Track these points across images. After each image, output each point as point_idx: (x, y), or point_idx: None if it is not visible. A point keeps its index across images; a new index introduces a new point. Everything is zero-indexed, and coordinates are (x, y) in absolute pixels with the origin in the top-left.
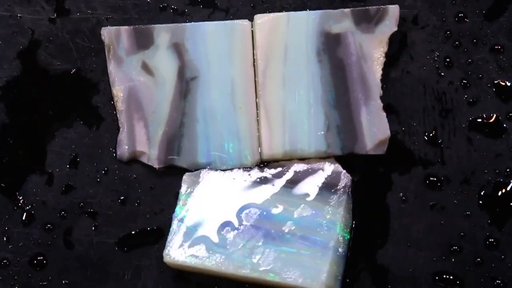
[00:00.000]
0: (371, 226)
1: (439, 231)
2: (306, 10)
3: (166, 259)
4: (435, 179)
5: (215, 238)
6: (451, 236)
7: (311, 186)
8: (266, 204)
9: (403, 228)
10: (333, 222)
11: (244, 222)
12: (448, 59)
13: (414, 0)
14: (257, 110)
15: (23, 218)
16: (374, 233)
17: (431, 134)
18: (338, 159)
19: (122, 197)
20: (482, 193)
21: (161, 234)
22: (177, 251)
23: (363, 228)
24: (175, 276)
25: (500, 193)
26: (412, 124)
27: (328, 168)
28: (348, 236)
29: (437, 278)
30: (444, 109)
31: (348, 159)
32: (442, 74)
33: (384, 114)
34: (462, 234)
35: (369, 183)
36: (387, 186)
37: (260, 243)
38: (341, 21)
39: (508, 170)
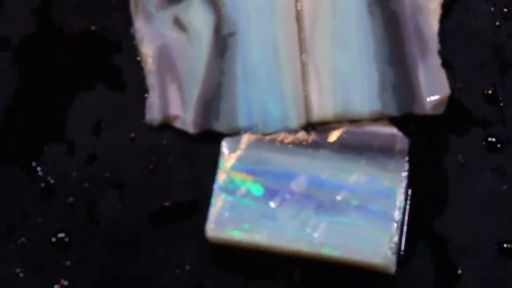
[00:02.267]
0: (428, 192)
1: (502, 197)
2: None
3: (209, 233)
4: (495, 140)
5: (262, 209)
6: None
7: (364, 150)
8: (316, 171)
9: (462, 194)
10: (391, 189)
11: (294, 191)
12: (506, 9)
13: None
14: (302, 67)
15: (42, 192)
16: (431, 200)
17: (490, 92)
18: (390, 120)
19: (152, 167)
20: None
21: (197, 207)
22: (222, 224)
23: (419, 195)
24: (215, 252)
25: None
26: (468, 81)
27: (383, 130)
28: (404, 204)
29: (501, 247)
30: (503, 64)
31: (400, 120)
32: (500, 26)
33: (443, 70)
34: None
35: (424, 146)
36: (444, 149)
37: (313, 214)
38: None
39: None
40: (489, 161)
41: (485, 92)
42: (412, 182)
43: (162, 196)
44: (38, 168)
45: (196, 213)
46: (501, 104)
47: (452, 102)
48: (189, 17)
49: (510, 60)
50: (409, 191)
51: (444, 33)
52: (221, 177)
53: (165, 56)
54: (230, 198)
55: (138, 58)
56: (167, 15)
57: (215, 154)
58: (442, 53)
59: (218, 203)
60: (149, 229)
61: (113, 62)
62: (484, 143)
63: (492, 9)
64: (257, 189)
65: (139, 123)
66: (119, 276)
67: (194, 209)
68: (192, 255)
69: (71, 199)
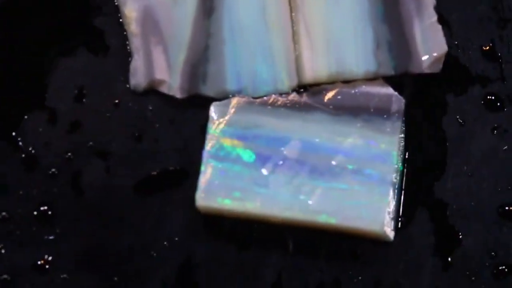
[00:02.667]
0: (426, 155)
1: (503, 158)
2: None
3: (199, 203)
4: (495, 98)
5: (254, 177)
6: None
7: (360, 112)
8: (310, 135)
9: (461, 156)
10: (388, 152)
11: (287, 157)
12: None
13: None
14: (293, 27)
15: (24, 163)
16: (429, 162)
17: (488, 48)
18: (386, 80)
19: (138, 134)
20: None
21: (185, 175)
22: (212, 193)
23: (417, 157)
24: (204, 222)
25: None
26: (466, 37)
27: (378, 90)
28: (402, 168)
29: (503, 210)
30: (502, 18)
31: (396, 80)
32: None
33: (440, 27)
34: None
35: (421, 106)
36: (442, 109)
37: (307, 180)
38: None
39: None
40: (489, 121)
41: (484, 48)
42: (409, 144)
43: (149, 164)
44: (19, 138)
45: (185, 182)
46: (500, 61)
47: (449, 59)
48: None
49: (509, 14)
50: (406, 154)
51: None
52: (210, 143)
53: (149, 18)
54: (220, 165)
55: (120, 20)
56: None
57: (204, 119)
58: (438, 9)
59: (207, 170)
60: (136, 199)
61: (94, 25)
62: (483, 101)
63: None
64: (248, 155)
65: (123, 88)
66: (106, 250)
67: (182, 177)
68: (181, 225)
69: (53, 169)
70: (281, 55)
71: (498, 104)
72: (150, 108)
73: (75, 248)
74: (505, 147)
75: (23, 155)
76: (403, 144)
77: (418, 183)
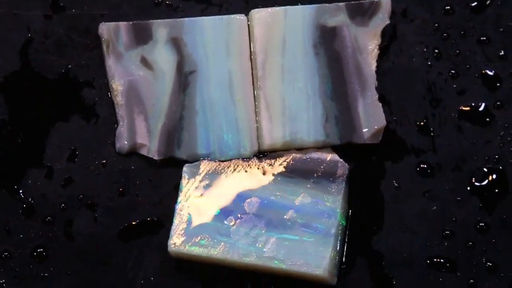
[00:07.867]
0: (366, 213)
1: (432, 217)
2: (298, 4)
3: (171, 248)
4: (427, 166)
5: (218, 227)
6: (444, 221)
7: (310, 175)
8: (267, 193)
9: (397, 214)
10: (333, 209)
11: (246, 211)
12: (437, 51)
13: None
14: (254, 102)
15: (24, 211)
16: (369, 219)
17: (422, 123)
18: (333, 148)
19: (121, 189)
20: (472, 179)
21: (161, 225)
22: (182, 240)
23: (359, 215)
24: (176, 265)
25: (489, 178)
26: (403, 114)
27: (326, 157)
28: (345, 223)
29: (431, 261)
30: (434, 99)
31: (342, 149)
32: (432, 65)
33: (380, 104)
34: (454, 219)
35: (363, 171)
36: (381, 174)
37: (263, 231)
38: (336, 14)
39: (497, 156)
40: (421, 185)
41: (418, 123)
42: (352, 203)
43: (130, 215)
44: (20, 191)
45: (160, 230)
46: (432, 134)
47: (388, 132)
48: (154, 56)
49: (441, 95)
50: (349, 211)
51: (382, 72)
52: (182, 198)
53: (133, 91)
54: (189, 217)
55: (109, 93)
56: (135, 54)
57: (177, 178)
58: (380, 89)
59: (178, 221)
60: (119, 244)
61: (87, 97)
62: (417, 169)
63: (425, 49)
64: (213, 210)
65: (110, 150)
66: (93, 287)
67: (159, 227)
68: (156, 267)
69: (49, 217)
70: (245, 126)
71: (429, 171)
72: (132, 167)
73: (66, 285)
74: (434, 208)
75: (24, 205)
76: (346, 203)
77: (358, 236)
